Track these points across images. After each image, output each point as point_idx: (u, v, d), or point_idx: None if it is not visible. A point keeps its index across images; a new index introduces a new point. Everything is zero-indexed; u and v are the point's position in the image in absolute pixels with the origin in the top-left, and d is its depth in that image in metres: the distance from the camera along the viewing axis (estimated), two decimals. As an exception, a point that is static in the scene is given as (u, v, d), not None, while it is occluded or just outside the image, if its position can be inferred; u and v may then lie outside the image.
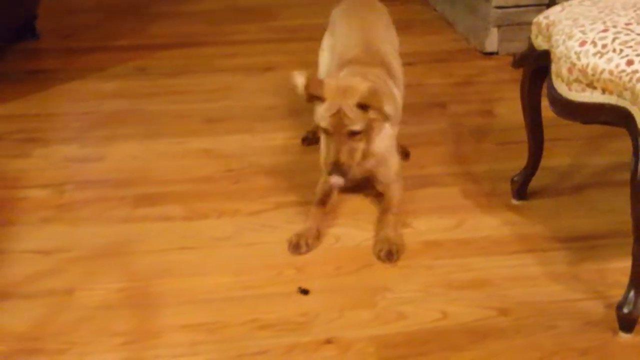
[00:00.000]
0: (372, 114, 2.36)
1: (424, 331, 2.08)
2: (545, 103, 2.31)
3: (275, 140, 3.07)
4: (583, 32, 2.10)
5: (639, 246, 1.98)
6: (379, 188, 2.60)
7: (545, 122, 2.49)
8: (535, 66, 2.38)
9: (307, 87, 2.37)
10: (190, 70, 3.74)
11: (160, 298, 2.21)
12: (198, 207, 2.63)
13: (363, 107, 2.34)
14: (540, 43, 2.32)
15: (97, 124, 3.23)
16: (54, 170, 2.88)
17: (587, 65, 2.06)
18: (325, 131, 2.40)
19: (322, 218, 2.51)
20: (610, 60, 2.02)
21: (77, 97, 3.49)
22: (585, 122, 2.28)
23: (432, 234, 2.49)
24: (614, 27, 2.08)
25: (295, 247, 2.40)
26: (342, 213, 2.60)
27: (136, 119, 3.27)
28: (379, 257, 2.37)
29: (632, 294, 2.03)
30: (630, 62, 1.98)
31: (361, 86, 2.36)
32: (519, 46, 3.70)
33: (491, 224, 2.53)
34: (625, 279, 2.07)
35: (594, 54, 2.05)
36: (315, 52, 2.97)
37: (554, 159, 2.80)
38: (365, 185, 2.64)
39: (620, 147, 2.75)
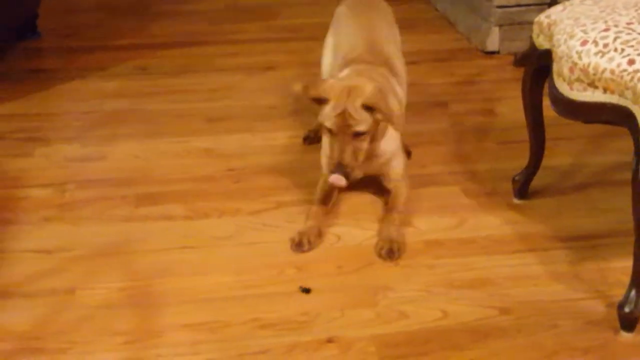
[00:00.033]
0: (377, 115, 2.36)
1: (425, 330, 2.08)
2: (546, 102, 2.30)
3: (276, 140, 3.07)
4: (584, 32, 2.10)
5: (641, 245, 1.99)
6: (387, 186, 2.59)
7: (546, 121, 2.49)
8: (537, 65, 2.38)
9: (306, 93, 2.37)
10: (191, 69, 3.73)
11: (161, 297, 2.21)
12: (199, 207, 2.63)
13: (368, 108, 2.34)
14: (541, 42, 2.32)
15: (98, 123, 3.23)
16: (55, 169, 2.87)
17: (589, 64, 2.05)
18: (330, 131, 2.40)
19: (323, 217, 2.50)
20: (611, 59, 2.01)
21: (78, 96, 3.48)
22: (586, 122, 2.28)
23: (433, 233, 2.49)
24: (616, 26, 2.08)
25: (298, 245, 2.39)
26: (343, 212, 2.60)
27: (137, 118, 3.26)
28: (380, 255, 2.36)
29: (633, 293, 2.03)
30: (631, 62, 1.98)
31: (367, 87, 2.36)
32: (520, 45, 3.70)
33: (492, 223, 2.53)
34: (626, 279, 2.06)
35: (596, 54, 2.05)
36: (316, 51, 2.97)
37: (555, 158, 2.80)
38: (366, 185, 2.64)
39: (622, 146, 2.74)
